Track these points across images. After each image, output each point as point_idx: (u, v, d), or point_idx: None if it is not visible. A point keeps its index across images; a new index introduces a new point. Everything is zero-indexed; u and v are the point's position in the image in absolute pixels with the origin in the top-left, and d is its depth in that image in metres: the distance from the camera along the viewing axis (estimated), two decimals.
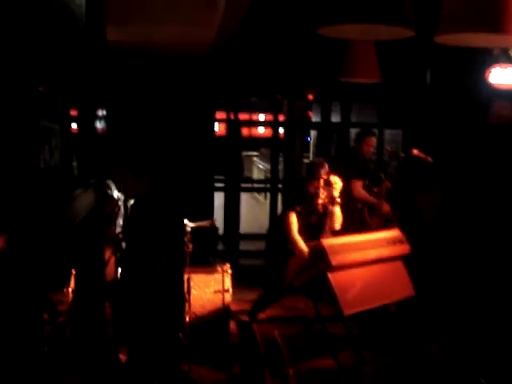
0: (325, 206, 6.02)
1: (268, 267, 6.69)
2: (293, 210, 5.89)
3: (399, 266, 5.68)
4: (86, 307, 3.24)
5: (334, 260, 5.07)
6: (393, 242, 5.61)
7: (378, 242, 5.54)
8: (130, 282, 3.91)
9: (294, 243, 5.83)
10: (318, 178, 5.89)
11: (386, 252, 5.52)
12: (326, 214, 6.04)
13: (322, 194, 6.01)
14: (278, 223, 6.13)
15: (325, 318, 5.62)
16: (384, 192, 6.88)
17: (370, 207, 6.89)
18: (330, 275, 5.11)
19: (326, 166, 5.93)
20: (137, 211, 3.99)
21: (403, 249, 5.67)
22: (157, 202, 4.11)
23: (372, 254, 5.41)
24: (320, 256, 5.15)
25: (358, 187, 6.74)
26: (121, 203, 6.22)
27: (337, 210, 6.05)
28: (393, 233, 5.73)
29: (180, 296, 4.17)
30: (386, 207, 6.86)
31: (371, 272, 5.44)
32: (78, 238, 3.05)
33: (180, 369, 4.16)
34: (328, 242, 5.27)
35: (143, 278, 3.82)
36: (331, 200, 6.00)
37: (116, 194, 6.11)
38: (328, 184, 6.01)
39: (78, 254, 3.12)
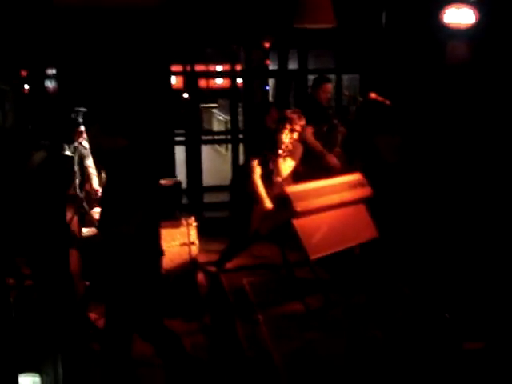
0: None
1: (233, 217, 6.72)
2: (258, 156, 5.86)
3: (362, 208, 5.78)
4: (50, 268, 3.23)
5: (299, 206, 5.13)
6: (355, 185, 5.69)
7: (340, 187, 5.61)
8: (108, 239, 3.91)
9: (255, 187, 5.81)
10: (293, 130, 5.84)
11: (348, 196, 5.61)
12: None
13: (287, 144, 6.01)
14: (243, 171, 6.12)
15: (292, 263, 5.71)
16: (339, 138, 6.91)
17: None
18: (294, 221, 5.18)
19: (303, 120, 5.87)
20: (116, 169, 3.95)
21: (365, 192, 5.76)
22: (135, 159, 4.07)
23: (335, 198, 5.49)
24: (284, 203, 5.20)
25: (308, 133, 6.68)
26: (75, 163, 6.17)
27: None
28: (354, 176, 5.80)
29: (157, 250, 4.18)
30: (333, 159, 6.81)
31: (335, 216, 5.53)
32: (38, 198, 3.01)
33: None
34: (292, 188, 5.32)
35: (122, 234, 3.82)
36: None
37: (69, 153, 6.05)
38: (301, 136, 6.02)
39: (39, 215, 3.09)
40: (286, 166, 5.96)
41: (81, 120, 6.00)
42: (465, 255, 6.02)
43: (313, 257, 5.18)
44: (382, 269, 6.02)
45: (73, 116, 5.99)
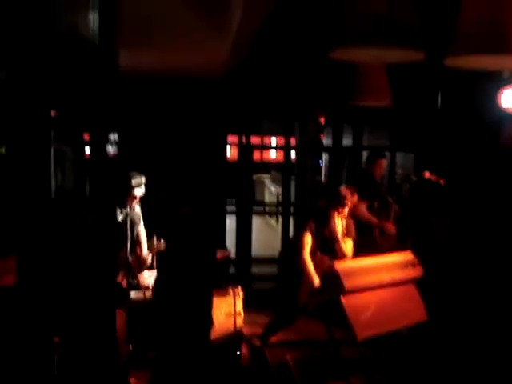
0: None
1: (280, 290, 6.65)
2: (310, 230, 5.88)
3: (412, 289, 5.64)
4: (97, 329, 3.24)
5: (348, 284, 5.05)
6: (406, 265, 5.58)
7: (391, 266, 5.51)
8: (163, 304, 3.95)
9: (303, 264, 5.80)
10: (344, 205, 5.89)
11: (399, 275, 5.49)
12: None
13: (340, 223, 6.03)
14: (292, 243, 6.12)
15: (338, 341, 5.58)
16: (392, 215, 6.86)
17: (381, 229, 6.87)
18: (343, 299, 5.08)
19: (355, 196, 5.95)
20: (179, 235, 4.07)
21: (416, 272, 5.64)
22: (197, 226, 4.18)
23: (385, 277, 5.38)
24: (333, 279, 5.13)
25: (362, 208, 6.72)
26: (127, 228, 6.26)
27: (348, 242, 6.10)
28: (406, 256, 5.70)
29: (207, 320, 4.18)
30: (391, 228, 6.83)
31: (384, 296, 5.41)
32: (91, 260, 3.06)
33: None
34: (341, 265, 5.26)
35: (177, 300, 3.85)
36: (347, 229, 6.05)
37: (121, 217, 6.16)
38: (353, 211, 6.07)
39: (91, 276, 3.13)
40: (348, 246, 5.98)
41: (134, 183, 6.13)
42: None
43: (360, 337, 5.05)
44: (429, 352, 5.82)
45: (130, 182, 6.13)
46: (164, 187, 7.17)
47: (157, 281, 4.26)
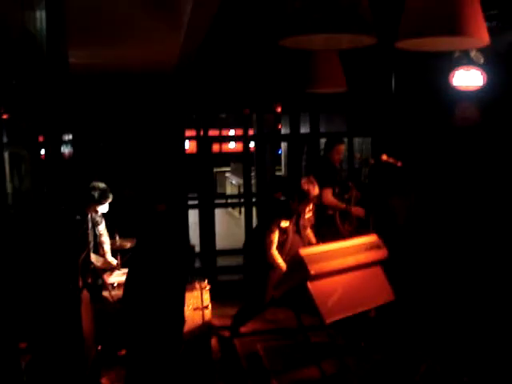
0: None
1: (247, 280, 6.67)
2: (277, 227, 5.88)
3: (378, 271, 5.71)
4: (62, 332, 3.20)
5: (313, 269, 5.08)
6: (370, 247, 5.65)
7: (355, 249, 5.57)
8: (133, 303, 3.92)
9: (273, 260, 5.83)
10: (309, 200, 5.93)
11: (363, 258, 5.55)
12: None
13: (308, 209, 6.09)
14: (257, 236, 6.12)
15: (306, 327, 5.62)
16: (353, 199, 6.93)
17: (342, 214, 6.94)
18: (309, 284, 5.12)
19: (317, 187, 5.95)
20: (153, 232, 4.04)
21: (381, 254, 5.71)
22: (164, 223, 4.15)
23: (350, 260, 5.44)
24: (298, 266, 5.16)
25: (328, 194, 6.79)
26: (90, 227, 6.20)
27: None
28: (370, 238, 5.76)
29: (180, 317, 4.16)
30: (358, 210, 6.91)
31: (350, 279, 5.47)
32: (51, 264, 3.02)
33: None
34: (305, 251, 5.28)
35: (150, 297, 3.84)
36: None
37: (85, 219, 6.08)
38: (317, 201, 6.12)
39: (51, 282, 3.09)
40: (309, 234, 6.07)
41: (97, 196, 6.03)
42: (482, 316, 5.91)
43: (328, 321, 5.10)
44: (397, 332, 5.91)
45: (92, 192, 6.02)
46: (129, 185, 7.11)
47: (128, 278, 4.21)
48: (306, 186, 5.86)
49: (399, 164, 6.65)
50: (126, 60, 6.75)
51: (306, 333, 5.64)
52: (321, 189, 6.24)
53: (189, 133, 9.31)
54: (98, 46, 5.92)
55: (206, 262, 9.08)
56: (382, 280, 5.70)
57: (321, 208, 6.66)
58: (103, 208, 6.13)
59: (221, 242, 9.47)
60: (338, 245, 5.52)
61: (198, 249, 8.98)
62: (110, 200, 6.09)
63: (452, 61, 6.99)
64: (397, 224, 7.36)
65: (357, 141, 9.73)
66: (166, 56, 6.48)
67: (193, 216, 9.27)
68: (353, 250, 5.54)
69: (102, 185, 6.11)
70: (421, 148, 7.86)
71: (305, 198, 5.86)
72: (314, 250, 5.37)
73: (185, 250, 4.69)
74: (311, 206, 6.15)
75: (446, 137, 7.69)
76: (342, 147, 7.26)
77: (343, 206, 6.86)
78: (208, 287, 6.08)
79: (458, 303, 6.28)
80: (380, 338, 5.82)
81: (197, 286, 6.03)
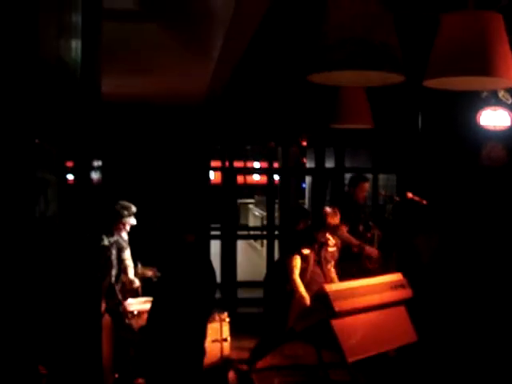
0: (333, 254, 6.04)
1: (266, 313, 6.62)
2: (298, 253, 5.85)
3: (401, 310, 5.64)
4: (82, 359, 3.20)
5: (337, 306, 5.03)
6: (395, 286, 5.58)
7: (380, 287, 5.51)
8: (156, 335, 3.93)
9: (294, 286, 5.76)
10: (328, 227, 5.90)
11: (388, 297, 5.49)
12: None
13: (331, 243, 6.03)
14: (278, 267, 6.10)
15: (327, 364, 5.55)
16: (376, 238, 6.88)
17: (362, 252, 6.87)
18: (333, 322, 5.06)
19: (338, 217, 5.92)
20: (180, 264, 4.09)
21: (405, 293, 5.64)
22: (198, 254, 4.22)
23: (375, 298, 5.37)
24: (323, 302, 5.11)
25: (344, 231, 6.72)
26: (113, 254, 6.23)
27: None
28: (395, 277, 5.70)
29: (200, 346, 4.15)
30: (372, 251, 6.80)
31: (374, 317, 5.40)
32: (75, 289, 3.04)
33: None
34: (331, 287, 5.24)
35: (173, 328, 3.84)
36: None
37: (107, 242, 6.12)
38: (335, 232, 6.05)
39: (75, 306, 3.10)
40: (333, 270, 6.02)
41: (126, 213, 6.10)
42: (505, 361, 5.79)
43: (351, 359, 5.03)
44: (417, 373, 5.80)
45: (117, 208, 6.10)
46: (158, 215, 7.18)
47: (153, 307, 4.22)
48: (327, 214, 5.85)
49: (424, 202, 6.60)
50: (155, 90, 6.84)
51: (326, 369, 5.57)
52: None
53: (214, 163, 9.37)
54: (128, 76, 6.02)
55: (227, 294, 9.05)
56: (406, 320, 5.62)
57: (346, 245, 6.61)
58: (132, 221, 6.21)
59: (242, 274, 9.44)
60: (364, 282, 5.47)
61: (218, 280, 8.96)
62: (134, 211, 6.20)
63: (480, 100, 6.99)
64: (421, 263, 7.28)
65: (381, 177, 9.71)
66: (195, 88, 6.56)
67: (214, 247, 9.27)
68: (378, 288, 5.49)
69: (125, 202, 6.23)
70: (446, 187, 7.81)
71: (324, 225, 5.84)
72: (339, 287, 5.33)
73: (210, 281, 4.68)
74: (335, 241, 6.10)
75: (472, 176, 7.64)
76: (367, 185, 7.23)
77: (355, 241, 6.77)
78: (228, 319, 6.03)
79: (481, 347, 6.16)
80: (400, 380, 5.71)
81: (216, 317, 5.98)
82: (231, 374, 6.08)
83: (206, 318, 4.25)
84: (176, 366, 3.87)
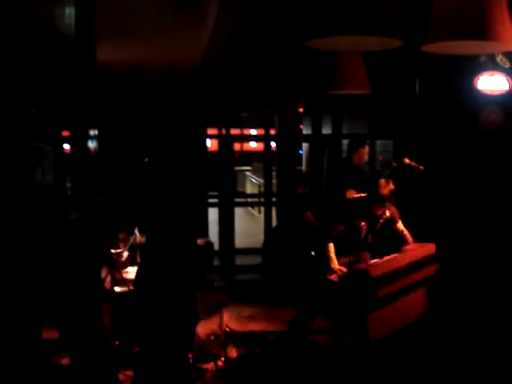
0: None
1: (265, 280, 6.61)
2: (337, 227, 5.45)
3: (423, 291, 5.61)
4: (83, 331, 3.23)
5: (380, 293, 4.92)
6: (430, 260, 5.51)
7: (417, 265, 5.39)
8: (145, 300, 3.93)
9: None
10: (381, 198, 5.39)
11: (420, 275, 5.43)
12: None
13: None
14: (275, 233, 5.99)
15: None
16: None
17: None
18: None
19: (391, 186, 5.44)
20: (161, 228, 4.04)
21: (436, 267, 5.63)
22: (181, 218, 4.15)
23: (411, 279, 5.30)
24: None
25: (352, 194, 6.62)
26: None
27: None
28: (429, 250, 5.62)
29: (193, 315, 4.15)
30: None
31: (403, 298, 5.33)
32: (75, 254, 3.05)
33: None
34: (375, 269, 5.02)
35: (160, 294, 3.84)
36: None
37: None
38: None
39: (75, 270, 3.12)
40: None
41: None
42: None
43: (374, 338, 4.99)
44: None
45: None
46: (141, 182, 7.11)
47: (138, 274, 4.21)
48: (379, 185, 5.39)
49: (422, 168, 6.60)
50: (151, 58, 6.78)
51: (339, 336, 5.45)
52: (343, 190, 6.15)
53: (211, 131, 9.34)
54: (122, 43, 5.96)
55: (225, 261, 9.10)
56: (421, 291, 5.59)
57: None
58: None
59: (240, 241, 9.48)
60: (407, 259, 5.31)
61: (216, 247, 9.00)
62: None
63: (477, 65, 6.94)
64: (417, 228, 7.29)
65: (379, 143, 9.69)
66: (191, 55, 6.50)
67: (212, 214, 9.29)
68: (415, 266, 5.34)
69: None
70: (444, 152, 7.80)
71: (378, 197, 5.40)
72: (382, 269, 5.06)
73: (200, 247, 4.67)
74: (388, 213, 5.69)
75: (470, 141, 7.63)
76: (366, 150, 7.17)
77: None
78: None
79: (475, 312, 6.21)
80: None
81: (215, 284, 6.00)
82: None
83: (192, 283, 4.23)
84: (167, 332, 3.88)
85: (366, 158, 7.20)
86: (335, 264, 5.25)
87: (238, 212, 10.37)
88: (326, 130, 9.70)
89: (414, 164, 6.63)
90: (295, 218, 6.79)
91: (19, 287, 2.00)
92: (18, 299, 1.99)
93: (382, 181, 5.45)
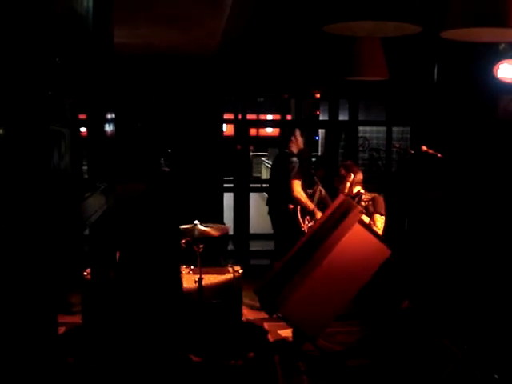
0: None
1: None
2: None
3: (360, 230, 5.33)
4: (99, 313, 3.26)
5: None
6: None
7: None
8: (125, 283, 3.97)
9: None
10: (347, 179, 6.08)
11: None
12: None
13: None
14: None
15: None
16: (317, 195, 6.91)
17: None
18: None
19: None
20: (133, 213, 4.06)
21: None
22: (151, 204, 4.17)
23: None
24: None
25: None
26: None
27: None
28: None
29: (177, 296, 4.18)
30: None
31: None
32: (90, 240, 3.07)
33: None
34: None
35: (139, 278, 3.87)
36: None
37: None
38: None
39: (90, 257, 3.15)
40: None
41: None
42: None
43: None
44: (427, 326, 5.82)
45: None
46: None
47: (120, 259, 4.23)
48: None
49: (439, 156, 6.55)
50: (168, 41, 6.77)
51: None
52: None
53: (227, 116, 9.33)
54: (140, 28, 5.95)
55: (240, 246, 9.12)
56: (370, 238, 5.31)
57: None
58: None
59: (254, 227, 9.49)
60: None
61: (231, 232, 9.02)
62: None
63: (497, 52, 6.86)
64: (430, 217, 7.27)
65: (396, 130, 9.64)
66: (208, 39, 6.48)
67: (228, 199, 9.30)
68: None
69: None
70: (462, 140, 7.74)
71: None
72: None
73: (176, 229, 4.68)
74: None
75: (489, 130, 7.56)
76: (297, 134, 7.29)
77: (310, 205, 6.80)
78: (240, 271, 6.08)
79: (490, 297, 6.19)
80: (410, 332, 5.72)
81: (230, 269, 6.03)
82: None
83: (175, 264, 4.25)
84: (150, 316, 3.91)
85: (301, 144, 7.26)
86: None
87: (253, 197, 10.37)
88: (343, 116, 9.65)
89: (431, 151, 6.59)
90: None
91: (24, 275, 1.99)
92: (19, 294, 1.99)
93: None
